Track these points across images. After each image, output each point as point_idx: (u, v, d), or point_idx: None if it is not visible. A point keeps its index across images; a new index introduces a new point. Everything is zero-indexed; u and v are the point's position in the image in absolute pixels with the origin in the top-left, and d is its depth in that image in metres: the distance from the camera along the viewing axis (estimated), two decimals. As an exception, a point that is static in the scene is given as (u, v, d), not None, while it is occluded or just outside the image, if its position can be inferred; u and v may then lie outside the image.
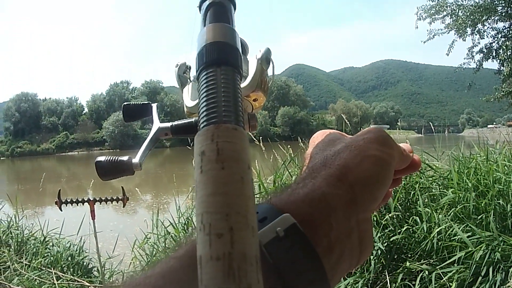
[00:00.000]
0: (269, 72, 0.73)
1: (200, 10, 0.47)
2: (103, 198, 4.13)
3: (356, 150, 0.48)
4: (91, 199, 4.06)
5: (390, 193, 0.60)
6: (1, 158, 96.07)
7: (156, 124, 0.66)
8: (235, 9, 0.47)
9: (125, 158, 0.61)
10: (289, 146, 5.55)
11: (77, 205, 4.08)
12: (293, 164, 5.20)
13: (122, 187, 4.23)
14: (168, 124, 0.66)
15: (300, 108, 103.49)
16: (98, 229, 4.22)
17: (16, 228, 6.05)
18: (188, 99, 0.68)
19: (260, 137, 5.72)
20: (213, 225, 0.27)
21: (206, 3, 0.46)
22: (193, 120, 0.68)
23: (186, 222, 4.84)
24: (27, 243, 5.59)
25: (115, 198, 4.18)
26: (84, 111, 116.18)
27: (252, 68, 0.71)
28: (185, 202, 5.52)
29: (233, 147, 0.32)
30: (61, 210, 4.07)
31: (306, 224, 0.39)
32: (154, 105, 0.72)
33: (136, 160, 0.60)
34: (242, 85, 0.67)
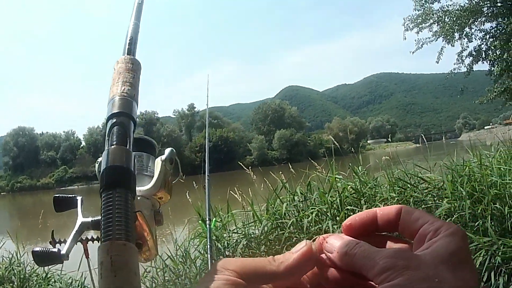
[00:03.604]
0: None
1: (106, 126, 0.60)
2: (94, 237, 4.12)
3: None
4: (83, 239, 4.05)
5: None
6: (2, 193, 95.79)
7: (80, 218, 0.75)
8: (135, 125, 0.62)
9: (55, 249, 0.68)
10: (280, 172, 5.63)
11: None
12: (285, 190, 5.31)
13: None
14: (89, 219, 0.73)
15: (296, 130, 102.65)
16: (96, 264, 4.21)
17: (18, 264, 6.00)
18: None
19: (258, 166, 5.78)
20: None
21: (110, 123, 0.60)
22: None
23: (184, 254, 4.85)
24: (29, 279, 5.55)
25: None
26: (82, 145, 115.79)
27: (157, 168, 0.84)
28: (182, 233, 5.55)
29: (122, 259, 0.45)
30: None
31: None
32: (79, 198, 0.81)
33: (63, 251, 0.68)
34: (148, 186, 0.83)
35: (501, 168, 4.45)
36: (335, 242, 0.46)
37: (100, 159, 0.67)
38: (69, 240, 0.71)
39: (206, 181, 3.57)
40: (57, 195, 0.82)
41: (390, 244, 0.48)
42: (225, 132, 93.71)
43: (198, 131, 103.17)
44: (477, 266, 3.24)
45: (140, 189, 0.81)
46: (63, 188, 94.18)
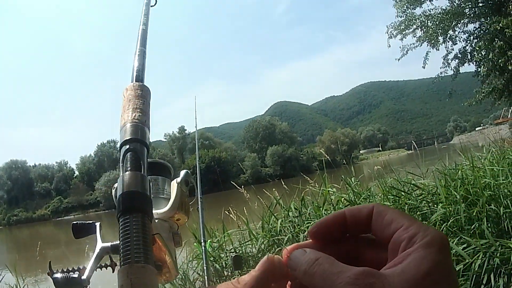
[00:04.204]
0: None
1: (119, 153, 0.62)
2: (103, 264, 4.14)
3: None
4: (81, 268, 4.05)
5: None
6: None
7: (99, 244, 0.75)
8: (148, 150, 0.64)
9: (75, 275, 0.69)
10: (274, 189, 5.62)
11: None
12: (279, 207, 5.30)
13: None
14: (108, 244, 0.74)
15: (288, 145, 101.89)
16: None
17: (19, 298, 5.97)
18: None
19: (252, 184, 5.80)
20: None
21: (123, 150, 0.63)
22: None
23: (183, 276, 4.81)
24: (30, 312, 5.52)
25: (103, 265, 4.18)
26: (75, 174, 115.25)
27: (173, 191, 0.86)
28: (180, 255, 5.51)
29: (142, 281, 0.48)
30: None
31: None
32: (98, 224, 0.80)
33: (84, 276, 0.68)
34: (165, 208, 0.84)
35: (494, 169, 4.46)
36: (296, 258, 0.42)
37: (116, 184, 0.68)
38: (89, 265, 0.71)
39: (199, 203, 3.56)
40: (75, 222, 0.83)
41: (362, 252, 0.45)
42: (217, 152, 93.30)
43: (190, 153, 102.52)
44: (476, 269, 3.22)
45: (158, 212, 0.83)
46: (60, 218, 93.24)
